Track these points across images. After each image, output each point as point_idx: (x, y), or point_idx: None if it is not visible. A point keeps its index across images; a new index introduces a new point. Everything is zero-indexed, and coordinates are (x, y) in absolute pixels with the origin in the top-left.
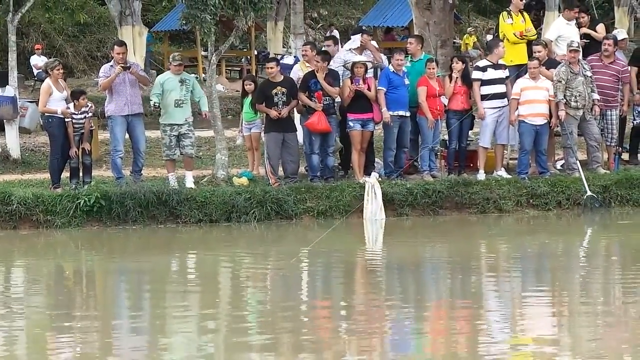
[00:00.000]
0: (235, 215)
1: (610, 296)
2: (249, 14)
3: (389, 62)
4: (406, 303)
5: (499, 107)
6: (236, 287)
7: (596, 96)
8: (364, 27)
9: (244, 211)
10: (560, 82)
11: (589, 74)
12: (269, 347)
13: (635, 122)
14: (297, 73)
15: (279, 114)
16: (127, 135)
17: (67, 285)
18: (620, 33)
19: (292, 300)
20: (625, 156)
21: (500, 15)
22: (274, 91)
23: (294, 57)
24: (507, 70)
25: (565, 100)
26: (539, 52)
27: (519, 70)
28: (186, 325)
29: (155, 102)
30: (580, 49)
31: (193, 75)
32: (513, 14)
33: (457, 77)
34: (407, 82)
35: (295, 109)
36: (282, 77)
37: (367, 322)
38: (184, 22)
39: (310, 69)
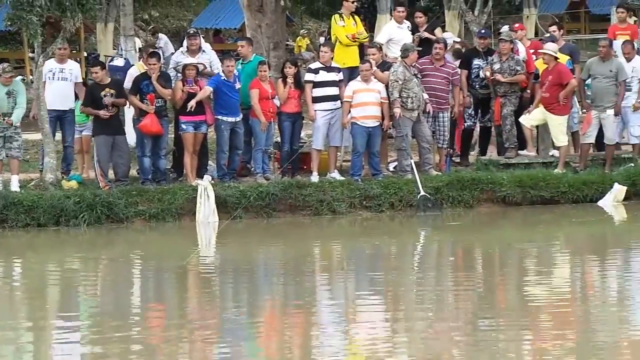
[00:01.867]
0: (64, 219)
1: (443, 297)
2: (77, 15)
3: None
4: (239, 306)
5: (331, 110)
6: (63, 292)
7: (425, 96)
8: (191, 30)
9: (74, 215)
10: (397, 81)
11: (419, 75)
12: (98, 354)
13: (465, 124)
14: (134, 76)
15: (108, 105)
16: None
17: None
18: (450, 36)
19: (122, 306)
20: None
21: (332, 18)
22: (103, 93)
23: (124, 59)
24: (340, 72)
25: (401, 101)
26: (373, 54)
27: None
28: (10, 332)
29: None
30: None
31: (20, 78)
32: (345, 16)
33: (291, 82)
34: (238, 86)
35: (133, 110)
36: (109, 79)
37: (200, 327)
38: (9, 23)
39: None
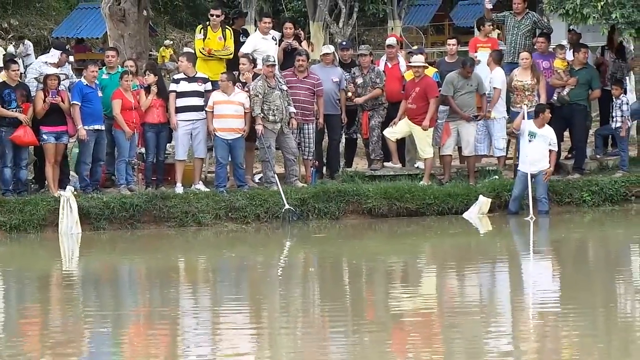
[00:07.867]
0: None
1: (309, 307)
2: None
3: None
4: (104, 319)
5: (193, 120)
6: None
7: (292, 109)
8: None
9: None
10: (258, 96)
11: (284, 87)
12: None
13: None
14: None
15: None
16: None
17: None
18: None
19: None
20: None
21: (196, 28)
22: None
23: None
24: (208, 83)
25: (262, 114)
26: (243, 64)
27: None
28: None
29: None
30: (277, 63)
31: None
32: (211, 29)
33: (154, 91)
34: (100, 94)
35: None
36: None
37: (65, 338)
38: None
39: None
